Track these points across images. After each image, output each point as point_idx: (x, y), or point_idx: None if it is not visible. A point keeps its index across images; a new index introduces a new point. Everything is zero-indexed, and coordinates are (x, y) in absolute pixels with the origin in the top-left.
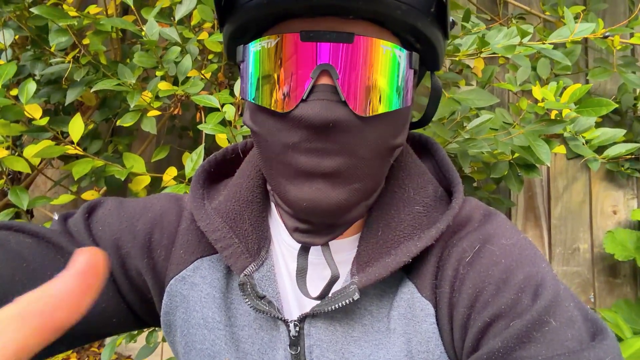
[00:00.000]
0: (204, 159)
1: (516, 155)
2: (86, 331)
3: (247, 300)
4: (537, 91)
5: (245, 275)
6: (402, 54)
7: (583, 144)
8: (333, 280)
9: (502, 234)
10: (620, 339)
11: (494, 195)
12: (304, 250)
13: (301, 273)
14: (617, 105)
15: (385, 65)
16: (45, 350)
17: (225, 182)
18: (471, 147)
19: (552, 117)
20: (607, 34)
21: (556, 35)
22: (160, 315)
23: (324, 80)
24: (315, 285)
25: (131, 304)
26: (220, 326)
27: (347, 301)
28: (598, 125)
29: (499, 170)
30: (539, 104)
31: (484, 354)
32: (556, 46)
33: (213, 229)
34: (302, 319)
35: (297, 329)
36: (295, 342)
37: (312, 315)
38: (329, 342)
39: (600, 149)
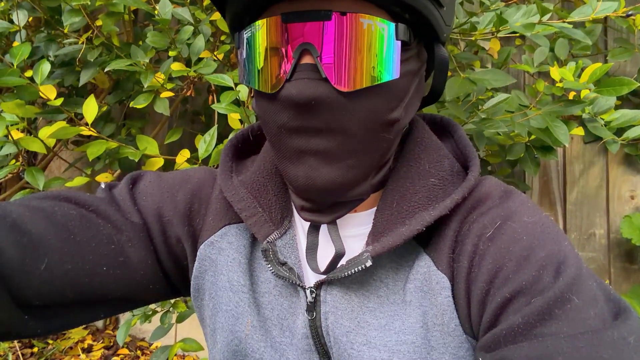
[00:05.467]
0: (216, 142)
1: (532, 137)
2: (125, 297)
3: (269, 265)
4: (555, 72)
5: (268, 242)
6: (385, 26)
7: (602, 126)
8: (337, 256)
9: (523, 211)
10: None
11: (509, 179)
12: (314, 227)
13: (311, 249)
14: (638, 85)
15: (365, 39)
16: (87, 315)
17: (252, 158)
18: (488, 127)
19: (570, 98)
20: (630, 12)
21: (578, 13)
22: (191, 280)
23: (306, 60)
24: (329, 259)
25: (167, 271)
26: (245, 289)
27: (359, 268)
28: (617, 108)
29: (516, 152)
30: (556, 85)
31: (503, 330)
32: (575, 26)
33: (238, 199)
34: (318, 286)
35: (314, 295)
36: (312, 307)
37: (328, 283)
38: (344, 309)
39: (619, 132)
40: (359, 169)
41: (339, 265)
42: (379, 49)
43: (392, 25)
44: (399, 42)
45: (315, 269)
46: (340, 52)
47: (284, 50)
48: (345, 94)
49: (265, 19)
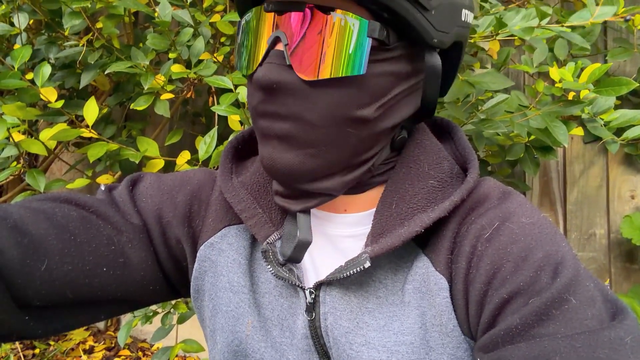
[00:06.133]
0: (216, 144)
1: (532, 137)
2: (125, 298)
3: (269, 267)
4: (555, 72)
5: (268, 243)
6: (355, 22)
7: (601, 126)
8: (300, 244)
9: (522, 212)
10: (637, 321)
11: (509, 179)
12: (293, 216)
13: (287, 237)
14: (637, 85)
15: (332, 33)
16: (88, 316)
17: (252, 159)
18: (487, 127)
19: (570, 98)
20: (628, 17)
21: (576, 17)
22: (191, 281)
23: (277, 47)
24: (331, 257)
25: (167, 272)
26: (245, 290)
27: (358, 269)
28: (617, 107)
29: (515, 152)
30: (556, 85)
31: (501, 330)
32: (574, 26)
33: (238, 200)
34: (318, 287)
35: (313, 296)
36: (311, 308)
37: (327, 284)
38: (343, 310)
39: (619, 132)
40: (322, 160)
41: (338, 267)
42: (346, 44)
43: (366, 22)
44: (370, 40)
45: (284, 253)
46: (306, 42)
47: (262, 37)
48: (308, 82)
49: (254, 8)
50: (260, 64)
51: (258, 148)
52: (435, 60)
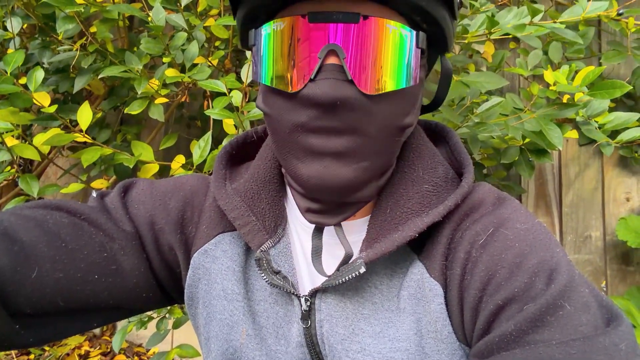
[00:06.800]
0: (211, 147)
1: (527, 140)
2: (118, 305)
3: (263, 275)
4: (549, 75)
5: (262, 251)
6: (408, 33)
7: (596, 128)
8: (347, 258)
9: (516, 218)
10: (632, 327)
11: (504, 182)
12: (318, 230)
13: (316, 253)
14: (631, 87)
15: (391, 45)
16: (80, 324)
17: (247, 165)
18: (481, 131)
19: (564, 101)
20: (621, 11)
21: (568, 13)
22: (185, 289)
23: (332, 60)
24: (329, 264)
25: (160, 279)
26: (239, 298)
27: (353, 274)
28: (611, 110)
29: (510, 155)
30: (550, 88)
31: (496, 337)
32: (567, 22)
33: (232, 208)
34: (313, 294)
35: (308, 303)
36: (306, 316)
37: (322, 291)
38: (338, 317)
39: (613, 134)
40: (372, 171)
41: (332, 272)
42: (402, 55)
43: (414, 32)
44: (419, 50)
45: (321, 272)
46: (367, 55)
47: (308, 49)
48: (369, 96)
49: (289, 17)
50: (312, 79)
51: (293, 165)
52: (449, 64)
